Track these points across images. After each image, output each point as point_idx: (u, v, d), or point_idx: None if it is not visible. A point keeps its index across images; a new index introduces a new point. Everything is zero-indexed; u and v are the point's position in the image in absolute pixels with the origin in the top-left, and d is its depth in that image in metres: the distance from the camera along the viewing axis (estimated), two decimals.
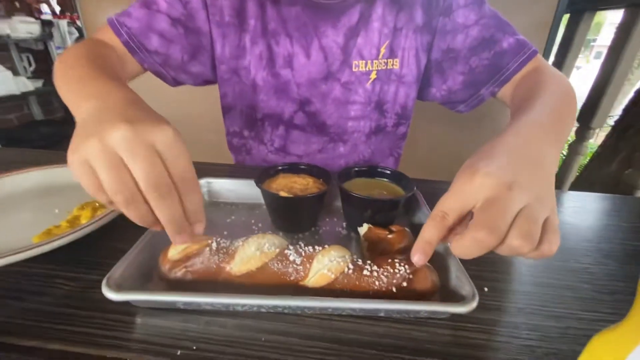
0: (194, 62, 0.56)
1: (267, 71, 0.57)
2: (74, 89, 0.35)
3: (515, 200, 0.25)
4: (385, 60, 0.57)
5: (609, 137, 1.55)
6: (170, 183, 0.26)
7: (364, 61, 0.56)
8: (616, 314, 0.33)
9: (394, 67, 0.58)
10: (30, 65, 2.78)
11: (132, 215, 0.26)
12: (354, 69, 0.57)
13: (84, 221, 0.40)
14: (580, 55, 1.34)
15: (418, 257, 0.28)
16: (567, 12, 1.22)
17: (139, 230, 0.35)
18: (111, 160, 0.24)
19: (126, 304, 0.30)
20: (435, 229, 0.27)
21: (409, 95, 0.61)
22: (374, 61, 0.57)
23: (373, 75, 0.58)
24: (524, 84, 0.50)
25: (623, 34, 1.07)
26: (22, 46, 2.66)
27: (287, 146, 0.64)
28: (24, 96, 2.59)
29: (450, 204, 0.27)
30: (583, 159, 1.38)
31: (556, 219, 0.27)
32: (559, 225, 0.27)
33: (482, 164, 0.27)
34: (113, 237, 0.40)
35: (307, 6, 0.53)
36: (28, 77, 2.65)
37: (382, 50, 0.56)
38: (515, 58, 0.52)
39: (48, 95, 2.96)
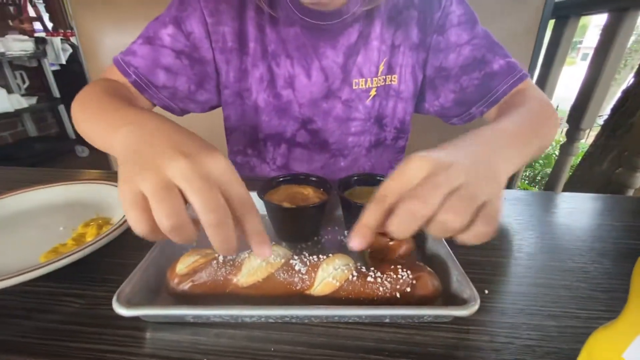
0: (201, 91, 0.57)
1: (268, 92, 0.58)
2: (102, 120, 0.36)
3: (451, 176, 0.26)
4: (384, 77, 0.58)
5: (599, 137, 1.58)
6: (227, 208, 0.26)
7: (363, 79, 0.57)
8: (612, 311, 0.34)
9: (392, 82, 0.58)
10: (24, 82, 2.79)
11: (176, 238, 0.26)
12: (354, 87, 0.58)
13: (89, 238, 0.41)
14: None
15: (358, 241, 0.27)
16: (552, 18, 1.25)
17: (144, 247, 0.36)
18: (168, 192, 0.24)
19: (135, 319, 0.30)
20: (373, 211, 0.27)
21: (407, 110, 0.62)
22: (374, 79, 0.57)
23: (373, 92, 0.58)
24: (506, 104, 0.52)
25: (607, 36, 1.10)
26: (15, 64, 2.67)
27: (290, 164, 0.65)
28: (18, 113, 2.59)
29: (390, 186, 0.27)
30: (575, 159, 1.40)
31: (499, 206, 0.27)
32: (501, 213, 0.26)
33: (424, 151, 0.28)
34: (117, 253, 0.40)
35: (305, 27, 0.54)
36: (22, 95, 2.65)
37: (381, 67, 0.57)
38: (505, 80, 0.53)
39: (42, 112, 2.97)
